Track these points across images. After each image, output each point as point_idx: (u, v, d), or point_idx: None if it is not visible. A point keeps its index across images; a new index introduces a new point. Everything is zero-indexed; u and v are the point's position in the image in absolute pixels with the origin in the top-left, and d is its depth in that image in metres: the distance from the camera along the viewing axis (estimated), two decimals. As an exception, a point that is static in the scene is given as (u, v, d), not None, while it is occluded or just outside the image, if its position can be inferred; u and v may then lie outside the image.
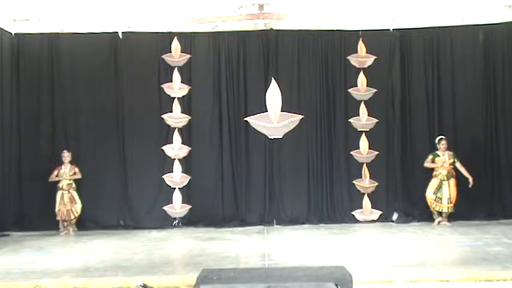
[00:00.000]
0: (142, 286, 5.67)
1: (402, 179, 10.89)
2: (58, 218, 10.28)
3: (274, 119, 10.87)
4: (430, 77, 11.02)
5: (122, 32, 11.02)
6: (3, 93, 10.55)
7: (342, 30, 11.16)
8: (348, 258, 7.24)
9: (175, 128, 10.90)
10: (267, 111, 10.86)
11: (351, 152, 10.94)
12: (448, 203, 10.22)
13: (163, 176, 10.83)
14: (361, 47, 11.03)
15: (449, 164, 10.30)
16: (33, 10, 10.75)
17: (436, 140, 10.48)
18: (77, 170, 10.35)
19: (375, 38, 11.09)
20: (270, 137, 10.90)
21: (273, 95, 10.89)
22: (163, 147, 10.85)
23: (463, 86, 11.02)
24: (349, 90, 11.01)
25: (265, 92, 10.88)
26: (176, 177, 10.86)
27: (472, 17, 11.07)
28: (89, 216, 10.65)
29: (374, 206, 10.88)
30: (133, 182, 10.85)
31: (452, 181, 10.26)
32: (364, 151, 10.95)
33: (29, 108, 10.91)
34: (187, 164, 10.92)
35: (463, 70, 11.03)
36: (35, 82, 10.95)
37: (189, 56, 11.00)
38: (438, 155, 10.37)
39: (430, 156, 10.40)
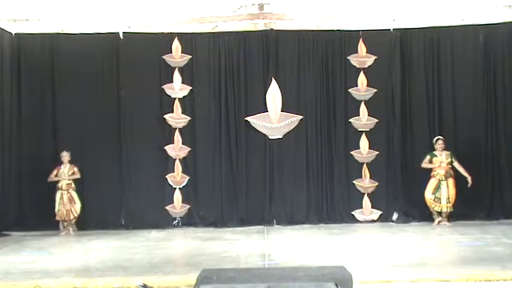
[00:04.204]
0: (142, 286, 5.66)
1: (402, 179, 10.90)
2: (58, 218, 10.29)
3: (274, 119, 10.87)
4: (430, 77, 11.02)
5: (123, 33, 11.02)
6: (3, 93, 10.56)
7: (342, 30, 11.16)
8: (348, 258, 7.23)
9: (176, 128, 10.91)
10: (267, 111, 10.87)
11: (351, 152, 10.94)
12: (446, 203, 10.22)
13: (166, 176, 10.83)
14: (362, 47, 11.03)
15: (447, 164, 10.30)
16: (33, 10, 10.78)
17: (434, 140, 10.49)
18: (76, 169, 10.35)
19: (375, 38, 11.08)
20: (270, 137, 10.90)
21: (273, 95, 10.90)
22: (165, 147, 10.85)
23: (463, 86, 11.03)
24: (349, 90, 11.01)
25: (265, 92, 10.89)
26: (177, 177, 10.87)
27: (472, 17, 11.08)
28: (89, 216, 10.65)
29: (374, 206, 10.87)
30: (133, 182, 10.85)
31: (451, 181, 10.26)
32: (364, 151, 10.94)
33: (30, 108, 10.92)
34: (187, 164, 10.92)
35: (463, 70, 11.04)
36: (35, 82, 10.94)
37: (189, 56, 11.00)
38: (435, 155, 10.37)
39: (428, 157, 10.41)
